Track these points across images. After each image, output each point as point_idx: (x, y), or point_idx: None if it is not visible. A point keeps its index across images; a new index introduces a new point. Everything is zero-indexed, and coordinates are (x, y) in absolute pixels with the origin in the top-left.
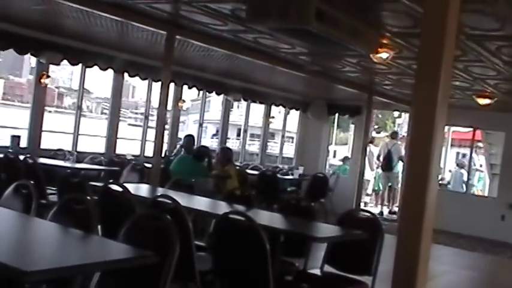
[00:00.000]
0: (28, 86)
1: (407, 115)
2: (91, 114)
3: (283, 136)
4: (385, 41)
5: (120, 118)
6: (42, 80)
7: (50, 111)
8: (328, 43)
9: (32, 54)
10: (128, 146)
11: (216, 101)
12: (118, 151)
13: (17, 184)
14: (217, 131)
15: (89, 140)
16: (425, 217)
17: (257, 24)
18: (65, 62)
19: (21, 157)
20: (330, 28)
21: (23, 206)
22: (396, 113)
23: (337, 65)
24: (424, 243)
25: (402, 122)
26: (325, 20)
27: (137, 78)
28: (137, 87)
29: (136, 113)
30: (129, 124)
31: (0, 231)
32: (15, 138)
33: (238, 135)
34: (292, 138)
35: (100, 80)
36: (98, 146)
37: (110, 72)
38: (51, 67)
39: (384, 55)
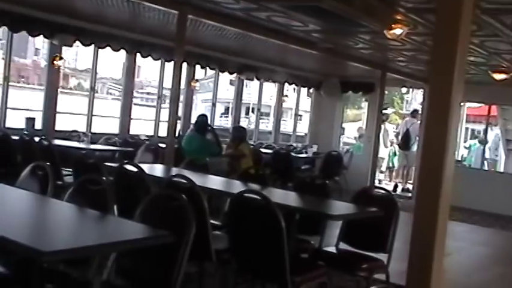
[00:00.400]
0: (33, 67)
1: (416, 91)
2: (97, 94)
3: (296, 114)
4: (399, 17)
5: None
6: (55, 62)
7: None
8: (341, 20)
9: (44, 36)
10: (138, 125)
11: (222, 80)
12: (131, 131)
13: (33, 166)
14: (225, 110)
15: (100, 121)
16: (442, 193)
17: (269, 2)
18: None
19: (36, 139)
20: (342, 5)
21: (40, 187)
22: (404, 89)
23: (350, 42)
24: (440, 219)
25: (411, 98)
26: None
27: (148, 58)
28: (142, 67)
29: (142, 93)
30: (135, 104)
31: (18, 212)
32: (30, 121)
33: (247, 113)
34: (301, 116)
35: (105, 60)
36: (109, 126)
37: (115, 52)
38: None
39: (398, 31)
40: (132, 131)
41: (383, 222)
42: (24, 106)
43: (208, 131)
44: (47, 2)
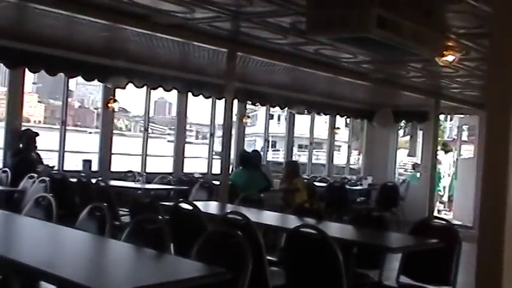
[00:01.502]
0: (68, 109)
1: (455, 117)
2: (130, 133)
3: (349, 146)
4: (450, 44)
5: (160, 135)
6: (109, 105)
7: (90, 132)
8: (391, 49)
9: (98, 80)
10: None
11: (261, 114)
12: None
13: (91, 207)
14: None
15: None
16: (506, 222)
17: (317, 36)
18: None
19: (93, 180)
20: (392, 34)
21: (98, 228)
22: (442, 116)
23: (401, 71)
24: (507, 249)
25: (452, 125)
26: (387, 26)
27: (200, 97)
28: (173, 104)
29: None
30: (169, 141)
31: (77, 253)
32: (87, 163)
33: (300, 147)
34: (340, 146)
35: (136, 98)
36: (158, 164)
37: (167, 92)
38: (87, 88)
39: (450, 58)
40: (188, 169)
41: (445, 254)
42: (80, 148)
43: (247, 160)
44: (100, 47)
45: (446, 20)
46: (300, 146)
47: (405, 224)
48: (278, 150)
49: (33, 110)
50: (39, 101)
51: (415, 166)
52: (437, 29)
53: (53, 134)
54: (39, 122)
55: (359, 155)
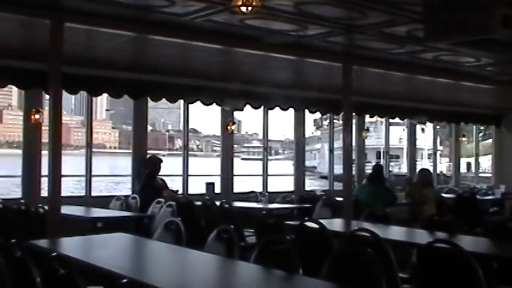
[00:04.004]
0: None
1: None
2: (201, 153)
3: (477, 154)
4: None
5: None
6: (228, 128)
7: (163, 155)
8: None
9: (216, 104)
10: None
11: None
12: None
13: (218, 230)
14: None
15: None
16: None
17: (437, 42)
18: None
19: (217, 203)
20: None
21: (226, 250)
22: None
23: None
24: None
25: None
26: None
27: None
28: (242, 122)
29: (248, 147)
30: (243, 159)
31: (209, 276)
32: (210, 186)
33: (378, 158)
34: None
35: (207, 118)
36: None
37: (283, 111)
38: (157, 111)
39: None
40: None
41: None
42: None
43: (378, 180)
44: (215, 71)
45: None
46: (391, 157)
47: None
48: (370, 162)
49: (107, 137)
50: (113, 127)
51: None
52: None
53: (125, 159)
54: (114, 147)
55: (449, 162)
